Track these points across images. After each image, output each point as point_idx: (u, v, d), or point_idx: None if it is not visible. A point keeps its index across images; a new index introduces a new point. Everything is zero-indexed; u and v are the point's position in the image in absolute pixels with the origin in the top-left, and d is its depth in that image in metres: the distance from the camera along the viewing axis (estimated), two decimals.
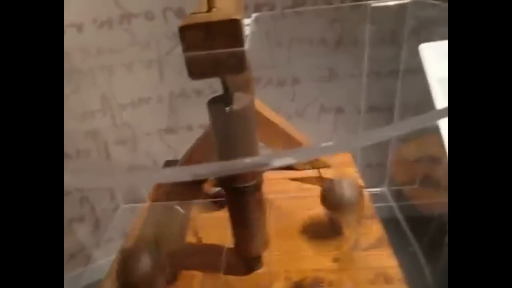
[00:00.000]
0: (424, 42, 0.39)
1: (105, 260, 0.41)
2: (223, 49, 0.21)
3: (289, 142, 0.46)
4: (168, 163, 0.53)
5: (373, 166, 0.74)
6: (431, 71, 0.38)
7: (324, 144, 0.16)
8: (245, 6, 0.62)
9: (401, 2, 0.36)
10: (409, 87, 0.48)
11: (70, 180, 0.14)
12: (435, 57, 0.40)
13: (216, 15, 0.21)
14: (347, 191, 0.35)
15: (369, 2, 0.38)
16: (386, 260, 0.34)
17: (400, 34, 0.48)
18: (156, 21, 0.66)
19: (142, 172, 0.16)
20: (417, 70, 0.40)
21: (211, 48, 0.21)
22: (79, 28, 0.64)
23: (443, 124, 0.32)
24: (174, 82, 0.71)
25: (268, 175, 0.41)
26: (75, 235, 0.71)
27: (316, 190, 0.44)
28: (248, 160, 0.15)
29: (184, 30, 0.20)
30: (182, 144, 0.45)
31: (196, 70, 0.21)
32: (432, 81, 0.38)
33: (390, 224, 0.39)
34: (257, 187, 0.30)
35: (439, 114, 0.17)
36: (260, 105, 0.45)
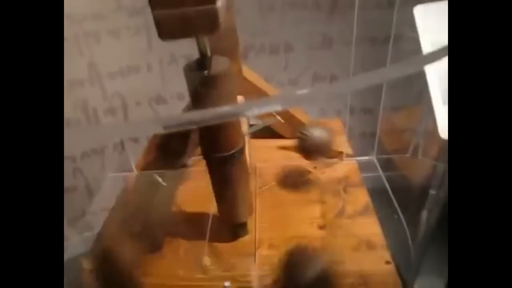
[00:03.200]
0: (419, 4, 0.37)
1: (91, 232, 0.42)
2: (194, 7, 0.19)
3: (279, 112, 0.45)
4: (156, 136, 0.52)
5: (368, 135, 0.73)
6: (425, 35, 0.37)
7: (302, 91, 0.15)
8: None
9: None
10: (402, 53, 0.47)
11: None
12: (430, 20, 0.38)
13: None
14: (316, 133, 0.41)
15: None
16: (370, 227, 0.34)
17: None
18: None
19: (112, 126, 0.15)
20: (411, 35, 0.38)
21: (181, 5, 0.19)
22: None
23: (435, 95, 0.31)
24: (163, 49, 0.68)
25: (255, 143, 0.40)
26: (68, 205, 0.71)
27: (303, 157, 0.44)
28: (221, 109, 0.14)
29: None
30: (173, 113, 0.44)
31: (165, 30, 0.20)
32: (425, 45, 0.37)
33: (378, 193, 0.39)
34: (239, 156, 0.30)
35: (426, 59, 0.16)
36: (249, 73, 0.44)
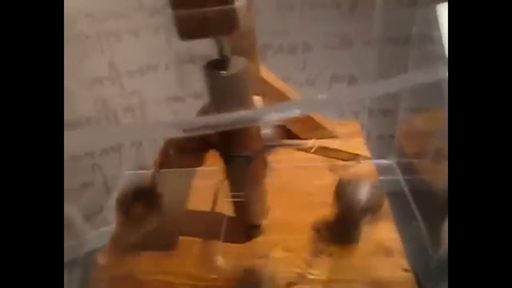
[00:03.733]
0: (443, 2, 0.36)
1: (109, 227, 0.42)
2: (213, 7, 0.19)
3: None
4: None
5: (386, 137, 0.72)
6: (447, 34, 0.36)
7: (321, 97, 0.15)
8: None
9: None
10: (424, 53, 0.45)
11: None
12: None
13: None
14: (363, 195, 0.30)
15: None
16: (387, 233, 0.33)
17: None
18: None
19: (131, 126, 0.15)
20: (435, 34, 0.37)
21: (201, 5, 0.19)
22: None
23: None
24: (181, 49, 0.69)
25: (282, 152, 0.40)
26: (86, 200, 0.73)
27: (320, 160, 0.43)
28: (240, 114, 0.14)
29: None
30: (190, 112, 0.44)
31: (185, 29, 0.20)
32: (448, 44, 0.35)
33: (395, 197, 0.39)
34: (256, 156, 0.30)
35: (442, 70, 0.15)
36: (266, 73, 0.44)
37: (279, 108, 0.14)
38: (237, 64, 0.25)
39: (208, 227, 0.36)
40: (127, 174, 0.47)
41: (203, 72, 0.25)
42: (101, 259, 0.35)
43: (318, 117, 0.46)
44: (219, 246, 0.34)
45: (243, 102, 0.26)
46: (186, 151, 0.43)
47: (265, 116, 0.16)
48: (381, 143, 0.70)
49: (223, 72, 0.24)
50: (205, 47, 0.26)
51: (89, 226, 0.69)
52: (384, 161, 0.44)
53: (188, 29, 0.20)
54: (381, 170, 0.42)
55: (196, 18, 0.19)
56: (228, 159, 0.30)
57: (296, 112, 0.14)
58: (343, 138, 0.45)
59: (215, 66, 0.25)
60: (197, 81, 0.72)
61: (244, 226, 0.34)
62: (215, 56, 0.25)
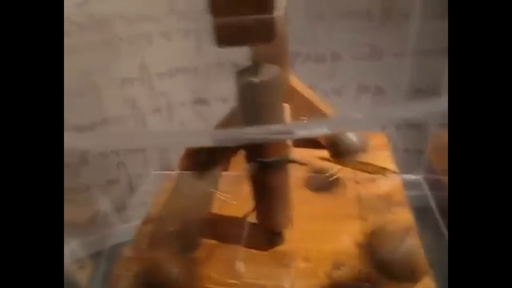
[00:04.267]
0: None
1: (132, 223, 0.44)
2: (252, 15, 0.19)
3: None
4: None
5: (411, 151, 0.70)
6: None
7: (354, 116, 0.15)
8: None
9: None
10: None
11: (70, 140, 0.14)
12: None
13: None
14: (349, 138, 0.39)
15: None
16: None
17: None
18: None
19: (159, 134, 0.16)
20: None
21: (239, 14, 0.20)
22: None
23: None
24: (211, 53, 0.70)
25: (296, 152, 0.40)
26: (111, 196, 0.75)
27: (346, 170, 0.43)
28: (272, 128, 0.14)
29: None
30: (216, 116, 0.45)
31: (223, 37, 0.20)
32: None
33: (423, 214, 0.37)
34: (283, 163, 0.30)
35: None
36: (296, 82, 0.44)
37: (311, 125, 0.14)
38: (269, 71, 0.25)
39: (230, 231, 0.36)
40: (153, 174, 0.48)
41: (235, 78, 0.26)
42: (126, 253, 0.36)
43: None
44: (241, 251, 0.34)
45: (273, 110, 0.26)
46: (212, 152, 0.44)
47: (297, 131, 0.16)
48: (407, 157, 0.68)
49: (255, 79, 0.24)
50: (234, 52, 0.26)
51: (119, 218, 0.71)
52: (412, 176, 0.42)
53: (227, 37, 0.20)
54: (408, 184, 0.41)
55: (235, 26, 0.20)
56: (255, 164, 0.30)
57: (327, 131, 0.14)
58: (370, 151, 0.44)
59: (248, 73, 0.25)
60: (224, 86, 0.73)
61: (267, 233, 0.34)
62: (243, 61, 0.26)
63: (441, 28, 0.56)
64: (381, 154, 0.44)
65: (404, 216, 0.36)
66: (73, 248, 0.55)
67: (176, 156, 0.50)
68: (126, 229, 0.48)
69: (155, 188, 0.46)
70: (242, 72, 0.25)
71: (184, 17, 0.67)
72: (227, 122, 0.44)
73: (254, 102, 0.25)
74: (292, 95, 0.42)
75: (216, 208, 0.39)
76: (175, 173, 0.46)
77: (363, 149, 0.42)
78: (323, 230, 0.35)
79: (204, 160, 0.45)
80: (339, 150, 0.42)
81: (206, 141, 0.16)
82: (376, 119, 0.15)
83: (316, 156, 0.46)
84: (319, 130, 0.14)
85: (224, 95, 0.75)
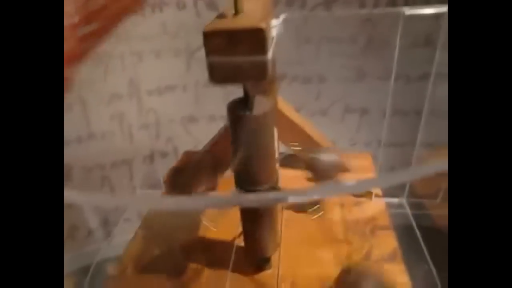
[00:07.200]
0: None
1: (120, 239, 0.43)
2: (246, 56, 0.20)
3: (310, 144, 0.45)
4: (187, 154, 0.53)
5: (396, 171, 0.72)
6: None
7: (348, 183, 0.16)
8: (276, 2, 0.61)
9: (437, 11, 0.34)
10: (440, 92, 0.46)
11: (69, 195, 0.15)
12: None
13: (242, 21, 0.21)
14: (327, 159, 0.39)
15: (403, 9, 0.37)
16: (398, 276, 0.33)
17: (435, 37, 0.46)
18: (187, 11, 0.66)
19: (138, 196, 0.16)
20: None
21: (233, 54, 0.21)
22: None
23: None
24: (200, 72, 0.71)
25: (284, 172, 0.41)
26: (96, 212, 0.74)
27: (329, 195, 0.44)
28: (266, 195, 0.15)
29: (207, 36, 0.20)
30: (204, 134, 0.45)
31: (217, 75, 0.21)
32: None
33: (406, 233, 0.39)
34: (272, 191, 0.30)
35: None
36: (283, 105, 0.45)
37: (301, 192, 0.15)
38: (261, 104, 0.26)
39: (217, 255, 0.36)
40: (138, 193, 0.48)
41: (227, 111, 0.26)
42: (112, 272, 0.36)
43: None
44: (228, 275, 0.34)
45: (264, 139, 0.27)
46: (199, 171, 0.44)
47: (290, 198, 0.17)
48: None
49: (248, 113, 0.25)
50: None
51: (104, 233, 0.70)
52: (396, 200, 0.44)
53: (220, 75, 0.21)
54: (392, 206, 0.42)
55: (229, 65, 0.21)
56: (244, 191, 0.30)
57: (329, 195, 0.15)
58: (355, 172, 0.45)
59: (239, 106, 0.26)
60: (212, 104, 0.73)
61: (254, 258, 0.34)
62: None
63: (421, 55, 0.59)
64: (367, 177, 0.45)
65: (388, 240, 0.37)
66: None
67: (163, 171, 0.50)
68: (110, 246, 0.47)
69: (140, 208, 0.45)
70: (234, 105, 0.26)
71: (175, 37, 0.68)
72: (218, 143, 0.44)
73: (245, 133, 0.26)
74: (279, 118, 0.43)
75: (203, 231, 0.40)
76: (160, 192, 0.46)
77: (344, 169, 0.43)
78: (309, 254, 0.36)
79: (191, 180, 0.45)
80: (317, 172, 0.43)
81: (200, 206, 0.16)
82: (367, 184, 0.16)
83: (304, 178, 0.46)
84: (311, 195, 0.15)
85: (212, 112, 0.75)
